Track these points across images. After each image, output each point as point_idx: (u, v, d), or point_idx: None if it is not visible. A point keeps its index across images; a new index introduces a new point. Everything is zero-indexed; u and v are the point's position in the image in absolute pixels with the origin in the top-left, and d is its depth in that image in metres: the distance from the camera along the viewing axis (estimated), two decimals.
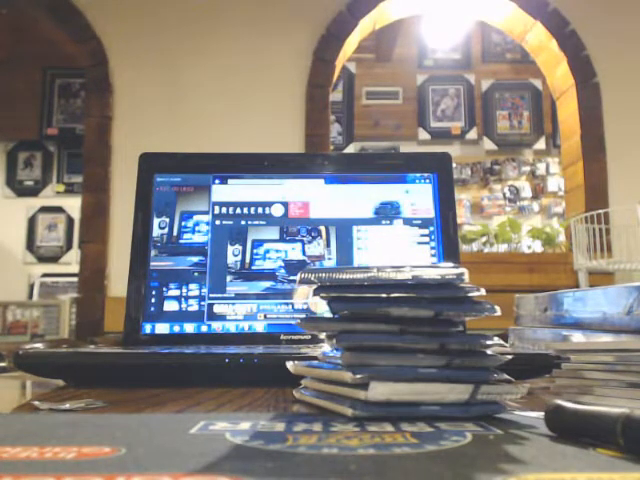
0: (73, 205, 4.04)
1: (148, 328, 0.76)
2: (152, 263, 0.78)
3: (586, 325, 0.55)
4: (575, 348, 0.45)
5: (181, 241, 0.79)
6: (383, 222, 0.81)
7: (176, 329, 0.76)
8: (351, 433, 0.30)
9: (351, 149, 4.17)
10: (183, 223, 0.80)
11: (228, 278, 0.78)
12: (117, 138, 2.50)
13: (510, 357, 0.38)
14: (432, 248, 0.79)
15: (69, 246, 4.11)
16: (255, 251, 0.79)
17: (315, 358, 0.43)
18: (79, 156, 3.43)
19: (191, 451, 0.26)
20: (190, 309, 0.76)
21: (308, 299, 0.77)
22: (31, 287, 4.01)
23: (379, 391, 0.33)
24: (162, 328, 0.76)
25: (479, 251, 2.61)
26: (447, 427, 0.31)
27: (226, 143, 2.43)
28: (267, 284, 0.77)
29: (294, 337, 0.75)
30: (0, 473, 0.22)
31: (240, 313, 0.76)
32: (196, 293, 0.77)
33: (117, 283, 2.40)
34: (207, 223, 0.80)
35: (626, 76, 2.58)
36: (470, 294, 0.36)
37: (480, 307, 0.37)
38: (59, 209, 4.15)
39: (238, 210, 0.81)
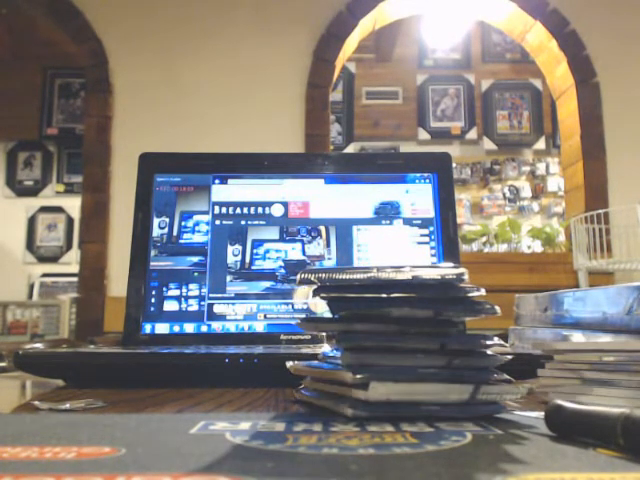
0: (73, 205, 4.04)
1: (148, 328, 0.76)
2: (152, 263, 0.78)
3: (586, 325, 0.55)
4: (573, 348, 0.45)
5: (181, 241, 0.79)
6: (383, 222, 0.81)
7: (176, 329, 0.76)
8: (351, 433, 0.30)
9: (351, 149, 4.17)
10: (183, 223, 0.80)
11: (228, 278, 0.78)
12: (117, 138, 2.50)
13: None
14: (432, 248, 0.79)
15: (69, 246, 4.11)
16: (255, 251, 0.79)
17: (315, 358, 0.43)
18: (79, 156, 3.43)
19: (191, 451, 0.26)
20: (190, 309, 0.76)
21: (308, 299, 0.77)
22: (31, 287, 4.01)
23: (379, 391, 0.33)
24: (162, 328, 0.76)
25: (479, 251, 2.61)
26: (447, 427, 0.31)
27: (226, 143, 2.43)
28: (267, 284, 0.77)
29: (294, 337, 0.75)
30: (0, 473, 0.22)
31: (240, 313, 0.76)
32: (196, 293, 0.77)
33: (117, 283, 2.40)
34: (207, 223, 0.80)
35: (626, 76, 2.58)
36: (470, 294, 0.36)
37: (480, 307, 0.37)
38: (59, 209, 4.15)
39: (238, 210, 0.81)
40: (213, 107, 2.51)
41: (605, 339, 0.49)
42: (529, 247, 3.06)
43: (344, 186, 0.82)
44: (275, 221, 0.80)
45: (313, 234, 0.80)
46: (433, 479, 0.21)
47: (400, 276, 0.36)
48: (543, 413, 0.30)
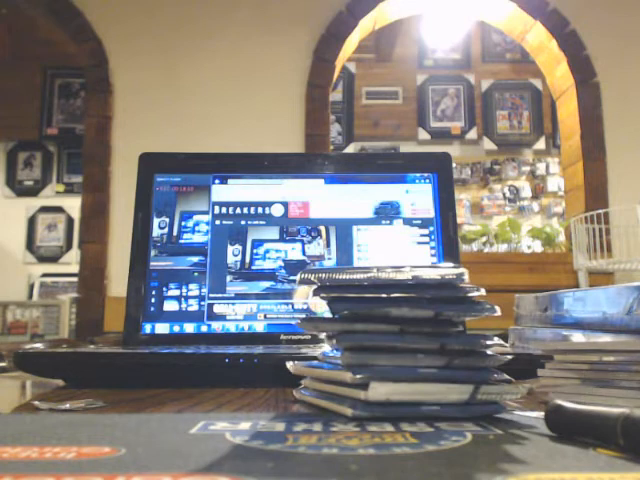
0: (73, 205, 4.04)
1: (148, 328, 0.76)
2: (152, 263, 0.78)
3: (586, 325, 0.55)
4: (573, 348, 0.45)
5: (181, 241, 0.79)
6: (383, 222, 0.81)
7: (176, 329, 0.76)
8: (351, 433, 0.30)
9: (351, 149, 4.16)
10: (183, 223, 0.80)
11: (228, 278, 0.78)
12: (117, 138, 2.50)
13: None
14: (432, 248, 0.79)
15: (69, 246, 4.11)
16: (255, 251, 0.79)
17: (315, 358, 0.43)
18: (79, 156, 3.44)
19: (191, 451, 0.26)
20: (190, 309, 0.76)
21: (308, 299, 0.77)
22: (31, 287, 4.01)
23: (379, 391, 0.33)
24: (162, 328, 0.76)
25: (479, 251, 2.61)
26: (447, 427, 0.31)
27: (226, 143, 2.43)
28: (267, 284, 0.77)
29: (294, 337, 0.75)
30: (0, 473, 0.22)
31: (240, 313, 0.76)
32: (196, 293, 0.77)
33: (117, 283, 2.40)
34: (207, 223, 0.80)
35: (626, 76, 2.58)
36: (470, 294, 0.36)
37: (480, 307, 0.37)
38: (59, 209, 4.15)
39: (238, 210, 0.81)
40: (213, 107, 2.51)
41: (605, 339, 0.49)
42: (529, 247, 3.06)
43: (344, 186, 0.82)
44: (275, 221, 0.80)
45: (313, 234, 0.80)
46: (433, 479, 0.21)
47: (400, 276, 0.36)
48: (543, 413, 0.30)
